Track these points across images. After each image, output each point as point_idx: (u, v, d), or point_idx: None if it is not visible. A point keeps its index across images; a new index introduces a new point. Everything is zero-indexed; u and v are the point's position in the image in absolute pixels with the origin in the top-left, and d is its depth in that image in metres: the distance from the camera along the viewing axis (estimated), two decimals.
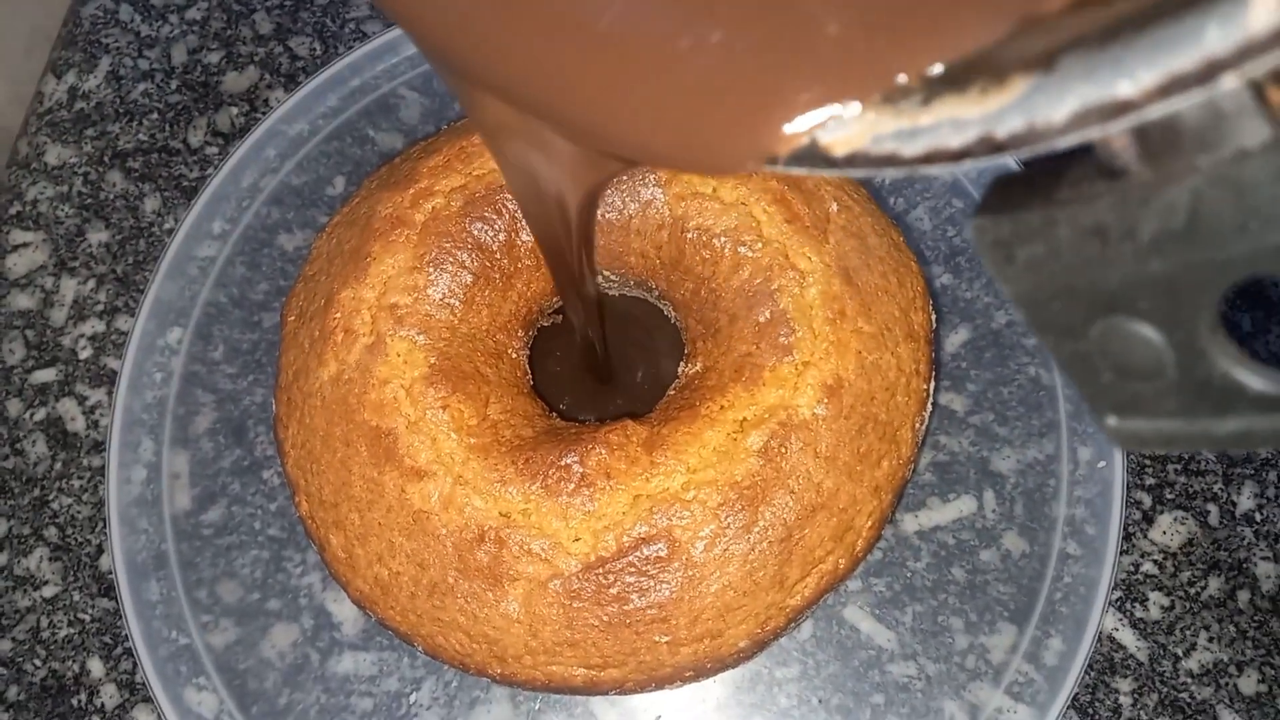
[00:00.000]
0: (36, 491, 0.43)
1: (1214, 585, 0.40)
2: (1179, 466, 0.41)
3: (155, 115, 0.49)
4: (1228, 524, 0.41)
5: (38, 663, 0.41)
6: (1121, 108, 0.15)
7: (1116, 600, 0.40)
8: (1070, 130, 0.15)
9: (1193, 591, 0.40)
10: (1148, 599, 0.40)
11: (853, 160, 0.17)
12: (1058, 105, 0.15)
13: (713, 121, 0.17)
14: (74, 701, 0.40)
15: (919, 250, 0.44)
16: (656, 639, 0.31)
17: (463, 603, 0.31)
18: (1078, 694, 0.39)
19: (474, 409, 0.33)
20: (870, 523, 0.33)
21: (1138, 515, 0.41)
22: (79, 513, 0.43)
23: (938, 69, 0.16)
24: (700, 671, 0.32)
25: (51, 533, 0.42)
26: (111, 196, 0.48)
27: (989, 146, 0.16)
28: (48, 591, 0.42)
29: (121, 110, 0.50)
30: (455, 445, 0.32)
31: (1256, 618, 0.39)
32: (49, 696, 0.40)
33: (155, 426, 0.42)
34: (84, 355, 0.45)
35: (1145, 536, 0.41)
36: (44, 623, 0.41)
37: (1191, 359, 0.18)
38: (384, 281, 0.34)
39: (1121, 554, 0.40)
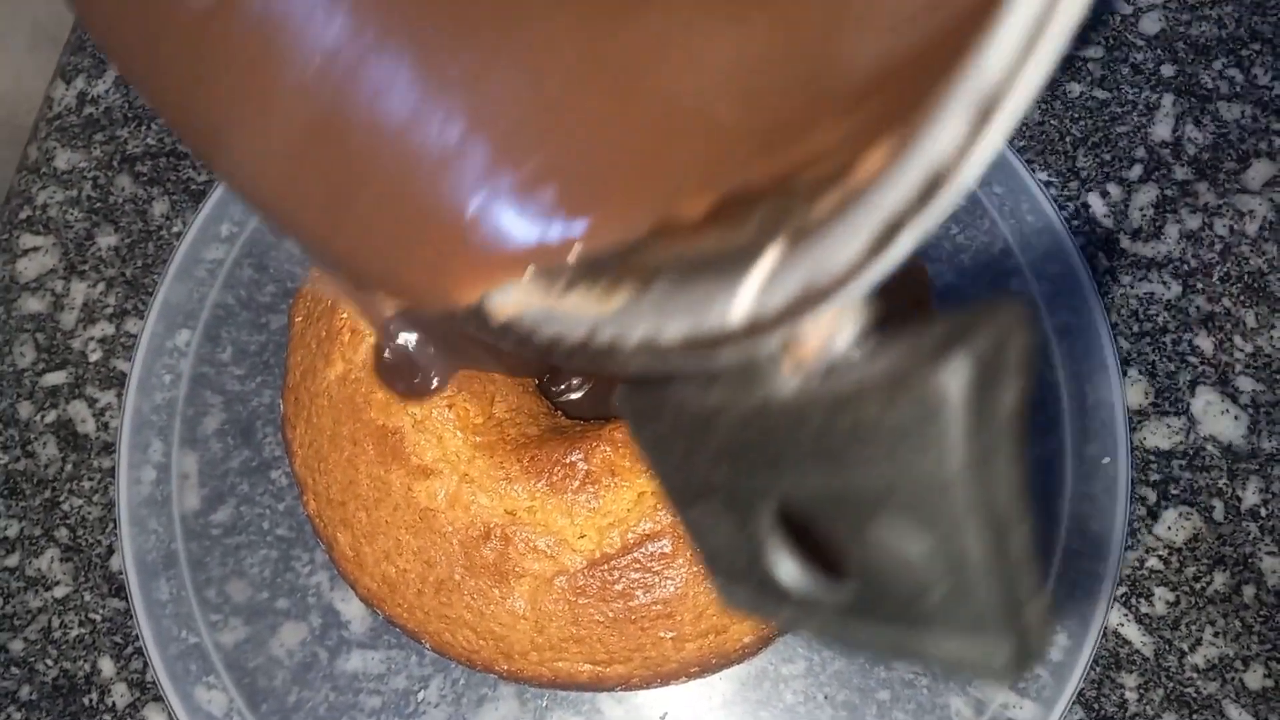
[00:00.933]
0: (47, 493, 0.43)
1: (1219, 580, 0.40)
2: (1183, 462, 0.42)
3: (163, 120, 0.50)
4: (1233, 519, 0.41)
5: (49, 662, 0.41)
6: (664, 352, 0.16)
7: (1122, 596, 0.40)
8: (634, 359, 0.16)
9: (1198, 587, 0.40)
10: (1153, 594, 0.40)
11: (505, 330, 0.17)
12: (632, 330, 0.16)
13: (408, 272, 0.18)
14: (85, 701, 0.40)
15: (922, 249, 0.44)
16: (661, 635, 0.31)
17: (469, 600, 0.32)
18: (1083, 689, 0.39)
19: (479, 407, 0.33)
20: None
21: (1142, 511, 0.41)
22: (89, 514, 0.43)
23: (581, 252, 0.16)
24: (705, 667, 0.33)
25: (62, 534, 0.43)
26: (120, 200, 0.48)
27: (589, 353, 0.16)
28: (59, 592, 0.42)
29: (130, 115, 0.50)
30: (461, 443, 0.32)
31: (1262, 613, 0.39)
32: (60, 696, 0.41)
33: (164, 428, 0.43)
34: (94, 358, 0.46)
35: (1150, 532, 0.41)
36: (55, 623, 0.42)
37: (755, 551, 0.19)
38: None
39: (1126, 550, 0.40)
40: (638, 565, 0.31)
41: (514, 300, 0.17)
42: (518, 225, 0.17)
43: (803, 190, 0.15)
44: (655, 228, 0.16)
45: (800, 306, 0.15)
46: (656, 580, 0.31)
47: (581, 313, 0.17)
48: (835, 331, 0.15)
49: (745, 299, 0.15)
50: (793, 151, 0.16)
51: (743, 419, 0.17)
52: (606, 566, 0.31)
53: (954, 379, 0.14)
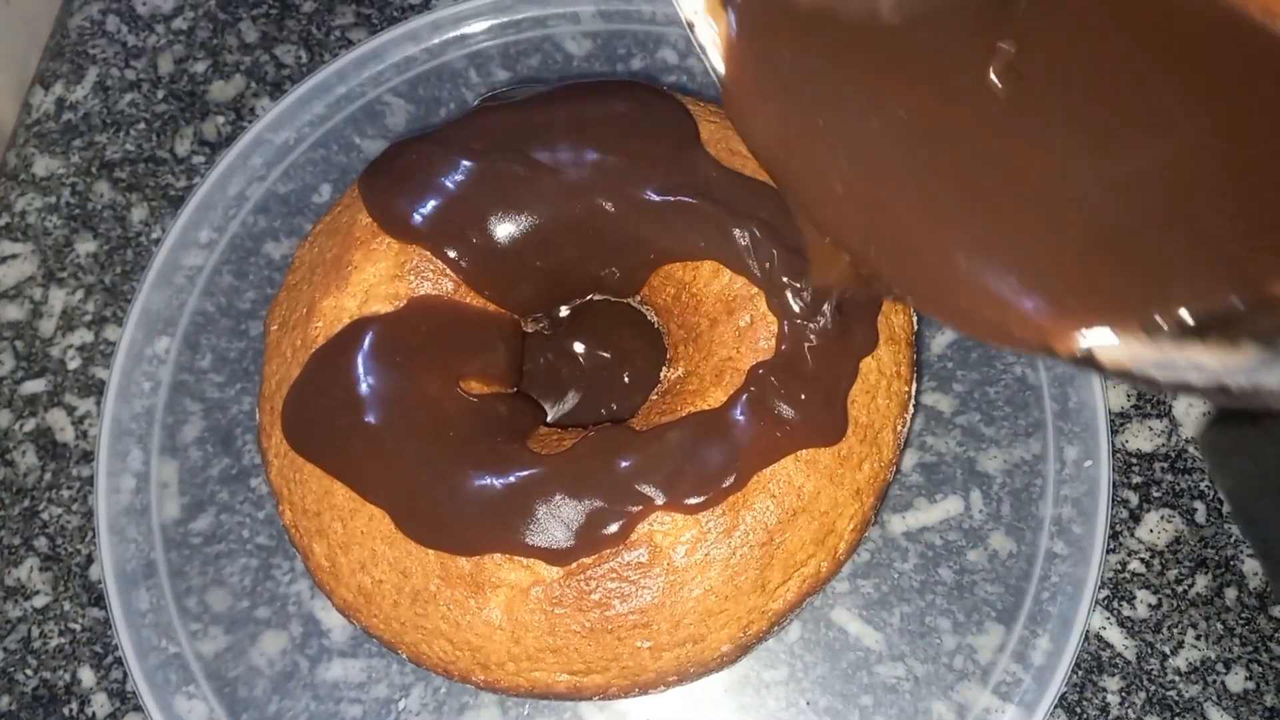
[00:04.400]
0: (26, 502, 0.43)
1: (1201, 583, 0.40)
2: (1165, 465, 0.41)
3: (142, 125, 0.49)
4: (1215, 521, 0.41)
5: (29, 672, 0.41)
6: None
7: (1104, 599, 0.40)
8: (1276, 398, 0.20)
9: (1180, 589, 0.40)
10: (1135, 597, 0.40)
11: (1120, 373, 0.22)
12: (1274, 376, 0.19)
13: (1016, 314, 0.23)
14: (65, 711, 0.40)
15: None
16: (639, 644, 0.31)
17: (445, 610, 0.31)
18: (1065, 693, 0.39)
19: None
20: (852, 526, 0.33)
21: (1124, 514, 0.41)
22: (69, 522, 0.43)
23: (1189, 319, 0.21)
24: (683, 676, 0.32)
25: (42, 543, 0.43)
26: (99, 207, 0.48)
27: (1220, 392, 0.20)
28: (38, 601, 0.42)
29: (109, 120, 0.50)
30: None
31: (1243, 615, 0.39)
32: (40, 706, 0.40)
33: (144, 436, 0.42)
34: (73, 365, 0.45)
35: (1132, 535, 0.41)
36: (35, 633, 0.41)
37: None
38: (365, 290, 0.34)
39: (1108, 552, 0.40)
40: (614, 575, 0.31)
41: (1121, 353, 0.21)
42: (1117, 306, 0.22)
43: None
44: (1252, 302, 0.20)
45: None
46: (633, 590, 0.31)
47: (1203, 362, 0.20)
48: None
49: None
50: None
51: None
52: (583, 576, 0.31)
53: None
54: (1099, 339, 0.21)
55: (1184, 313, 0.21)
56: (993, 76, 0.24)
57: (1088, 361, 0.22)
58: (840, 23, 0.25)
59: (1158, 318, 0.21)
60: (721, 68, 0.26)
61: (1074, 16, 0.24)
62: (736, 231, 0.32)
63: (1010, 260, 0.23)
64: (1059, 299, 0.22)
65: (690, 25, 0.26)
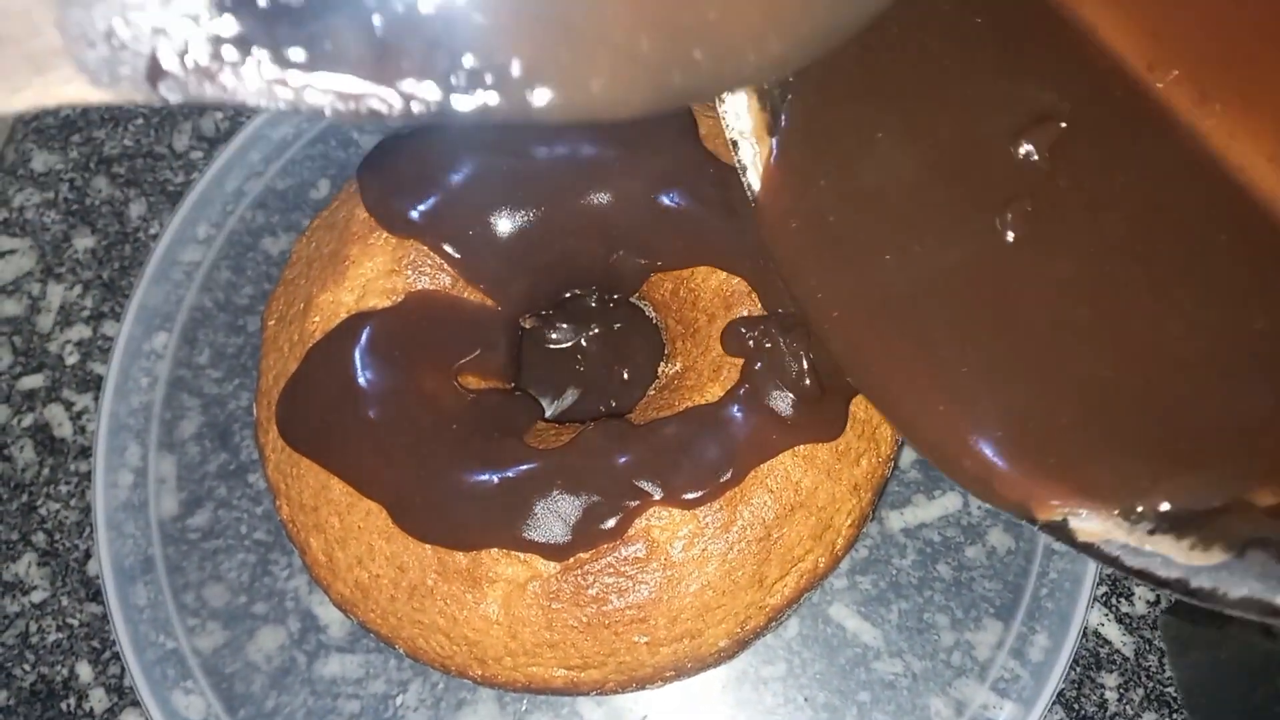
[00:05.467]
0: (25, 497, 0.43)
1: None
2: None
3: (140, 120, 0.49)
4: None
5: (27, 668, 0.41)
6: (1275, 611, 0.20)
7: (1102, 595, 0.40)
8: (1238, 607, 0.20)
9: None
10: (1133, 594, 0.40)
11: (1088, 548, 0.22)
12: (1236, 586, 0.20)
13: (1000, 477, 0.23)
14: (63, 706, 0.40)
15: None
16: (636, 639, 0.31)
17: (442, 605, 0.31)
18: (1063, 689, 0.39)
19: None
20: (849, 521, 0.33)
21: None
22: (67, 518, 0.43)
23: (1167, 508, 0.21)
24: (681, 671, 0.32)
25: (40, 538, 0.43)
26: (97, 202, 0.48)
27: (1183, 589, 0.21)
28: (36, 597, 0.42)
29: (107, 116, 0.50)
30: None
31: None
32: (38, 701, 0.40)
33: (141, 431, 0.42)
34: (71, 361, 0.45)
35: None
36: (33, 628, 0.41)
37: None
38: (362, 285, 0.34)
39: None
40: (611, 570, 0.31)
41: (1096, 529, 0.22)
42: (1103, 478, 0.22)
43: None
44: (1231, 504, 0.21)
45: None
46: (630, 584, 0.31)
47: (1172, 557, 0.21)
48: None
49: None
50: None
51: None
52: (580, 571, 0.31)
53: None
54: (1076, 514, 0.22)
55: (1166, 506, 0.21)
56: (1006, 223, 0.24)
57: (1057, 530, 0.22)
58: (875, 161, 0.26)
59: (1139, 506, 0.21)
60: (758, 186, 0.28)
61: (1092, 180, 0.24)
62: (732, 230, 0.32)
63: (1002, 418, 0.23)
64: (1047, 468, 0.22)
65: (734, 144, 0.28)
